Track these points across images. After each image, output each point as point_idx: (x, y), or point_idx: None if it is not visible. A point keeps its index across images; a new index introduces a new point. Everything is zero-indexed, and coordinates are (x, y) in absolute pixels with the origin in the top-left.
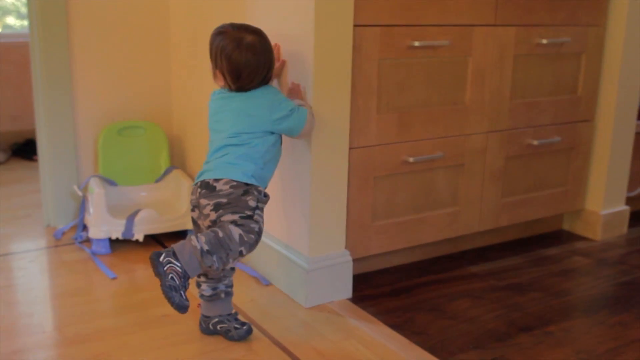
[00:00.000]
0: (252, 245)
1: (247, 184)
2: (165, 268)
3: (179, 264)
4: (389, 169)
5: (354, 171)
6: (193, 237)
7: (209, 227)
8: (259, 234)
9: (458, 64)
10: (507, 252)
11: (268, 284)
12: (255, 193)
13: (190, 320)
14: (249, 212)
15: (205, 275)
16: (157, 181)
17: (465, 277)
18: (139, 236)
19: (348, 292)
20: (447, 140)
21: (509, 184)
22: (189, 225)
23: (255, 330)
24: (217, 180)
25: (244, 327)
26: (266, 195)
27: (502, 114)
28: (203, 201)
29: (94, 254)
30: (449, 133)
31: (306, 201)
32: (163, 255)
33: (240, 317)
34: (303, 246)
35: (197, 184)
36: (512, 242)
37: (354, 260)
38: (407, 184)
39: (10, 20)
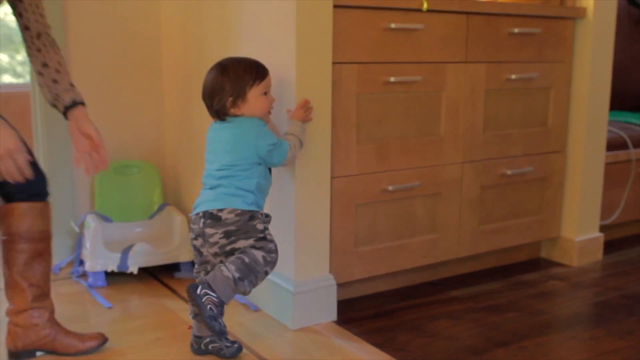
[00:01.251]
0: (274, 264)
1: (250, 211)
2: (203, 300)
3: (214, 295)
4: (370, 197)
5: (336, 199)
6: (223, 268)
7: (215, 253)
8: (276, 250)
9: (432, 98)
10: (486, 278)
11: (256, 309)
12: (260, 216)
13: (182, 343)
14: (260, 235)
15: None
16: (151, 217)
17: (446, 300)
18: (133, 269)
19: (333, 314)
20: (424, 170)
21: (486, 212)
22: (182, 258)
23: (244, 350)
24: (220, 210)
25: (235, 345)
26: (268, 216)
27: (476, 145)
28: (209, 230)
29: (90, 286)
30: (425, 163)
31: (291, 227)
32: (199, 288)
33: (229, 336)
34: (289, 270)
35: (198, 214)
36: (491, 269)
37: (339, 286)
38: (388, 212)
39: (7, 78)
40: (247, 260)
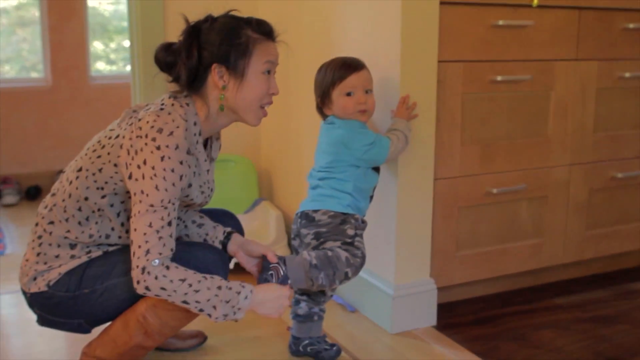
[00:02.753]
0: (357, 268)
1: (344, 214)
2: (270, 266)
3: (283, 268)
4: (473, 200)
5: (439, 201)
6: (305, 252)
7: None
8: (363, 258)
9: (540, 98)
10: (592, 285)
11: (353, 310)
12: (353, 221)
13: (280, 343)
14: (348, 240)
15: (307, 294)
16: (246, 212)
17: (550, 308)
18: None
19: (432, 319)
20: (530, 172)
21: (594, 217)
22: (278, 254)
23: (342, 353)
24: (315, 211)
25: (334, 348)
26: (364, 222)
27: (585, 146)
28: (304, 231)
29: None
30: (531, 165)
31: (392, 229)
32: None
33: (328, 338)
34: (389, 273)
35: (297, 214)
36: (597, 276)
37: (438, 289)
38: (491, 215)
39: (101, 65)
40: (329, 253)
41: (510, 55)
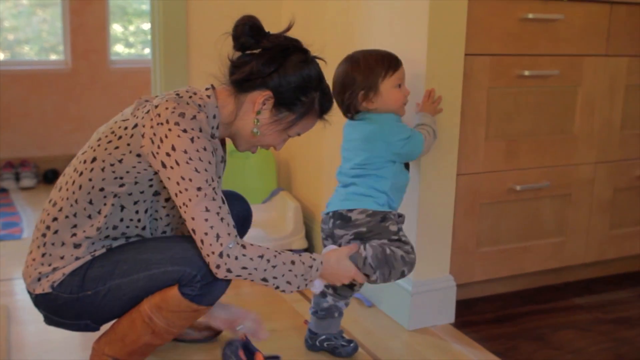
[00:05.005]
0: (413, 265)
1: (382, 212)
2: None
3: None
4: (495, 197)
5: (461, 197)
6: (361, 247)
7: None
8: (414, 252)
9: (567, 94)
10: (613, 285)
11: (371, 305)
12: (392, 217)
13: (296, 336)
14: (394, 237)
15: (334, 287)
16: (264, 202)
17: (570, 308)
18: None
19: (451, 317)
20: (555, 169)
21: (618, 216)
22: (295, 246)
23: (359, 349)
24: (350, 210)
25: (351, 345)
26: (401, 216)
27: (612, 144)
28: (339, 232)
29: None
30: (556, 162)
31: (413, 224)
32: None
33: (345, 334)
34: None
35: (328, 214)
36: (618, 276)
37: (457, 286)
38: (513, 212)
39: (119, 48)
40: (387, 251)
41: (538, 49)
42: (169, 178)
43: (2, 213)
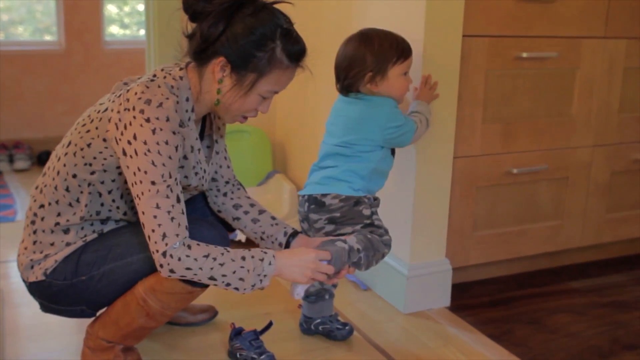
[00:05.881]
0: (389, 246)
1: (356, 196)
2: None
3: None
4: (492, 180)
5: (457, 180)
6: (339, 241)
7: None
8: (388, 233)
9: (565, 76)
10: (610, 269)
11: (366, 288)
12: (366, 201)
13: (291, 320)
14: (367, 221)
15: None
16: (259, 184)
17: (566, 292)
18: (241, 237)
19: (446, 300)
20: (552, 152)
21: (614, 200)
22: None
23: (354, 333)
24: (324, 195)
25: (346, 328)
26: (376, 199)
27: (610, 127)
28: (313, 216)
29: None
30: (554, 145)
31: (409, 207)
32: None
33: (340, 318)
34: (403, 253)
35: (304, 197)
36: (614, 260)
37: (453, 270)
38: (510, 195)
39: (114, 29)
40: (368, 236)
41: (536, 31)
42: (127, 167)
43: None
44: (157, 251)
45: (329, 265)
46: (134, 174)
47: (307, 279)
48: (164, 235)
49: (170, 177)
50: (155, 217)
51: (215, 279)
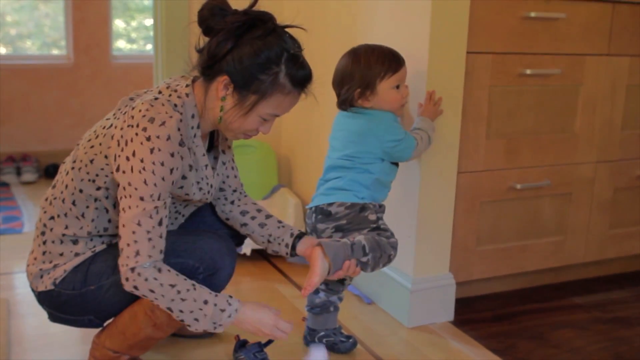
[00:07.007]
0: (396, 249)
1: (361, 203)
2: None
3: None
4: (496, 195)
5: (461, 195)
6: (347, 238)
7: None
8: (394, 236)
9: (569, 93)
10: (613, 285)
11: (370, 302)
12: (372, 207)
13: (295, 332)
14: (373, 225)
15: (326, 283)
16: (265, 198)
17: (569, 307)
18: (246, 250)
19: (450, 314)
20: (555, 168)
21: (618, 216)
22: None
23: (358, 345)
24: (330, 204)
25: (350, 341)
26: (381, 206)
27: (613, 144)
28: (321, 226)
29: None
30: (557, 161)
31: (413, 222)
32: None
33: (343, 330)
34: (407, 266)
35: (312, 209)
36: (618, 275)
37: (457, 284)
38: (513, 211)
39: (121, 43)
40: (376, 237)
41: (540, 48)
42: (120, 179)
43: (3, 207)
44: (127, 265)
45: (289, 323)
46: (124, 188)
47: (262, 334)
48: (137, 253)
49: (159, 199)
50: (134, 232)
51: (172, 310)
